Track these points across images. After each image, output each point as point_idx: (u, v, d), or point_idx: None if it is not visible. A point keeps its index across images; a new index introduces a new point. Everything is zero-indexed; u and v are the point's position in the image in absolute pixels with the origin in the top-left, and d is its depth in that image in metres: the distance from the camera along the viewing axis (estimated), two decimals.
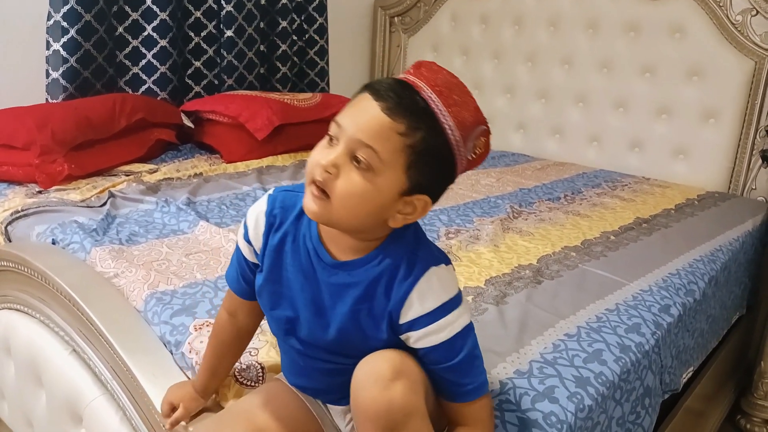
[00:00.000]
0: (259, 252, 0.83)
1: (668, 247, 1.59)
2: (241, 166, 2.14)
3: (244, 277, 0.87)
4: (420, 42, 3.06)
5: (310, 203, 0.72)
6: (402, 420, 0.69)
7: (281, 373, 0.92)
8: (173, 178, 1.91)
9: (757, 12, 2.11)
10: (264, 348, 1.00)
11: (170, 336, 1.05)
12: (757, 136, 2.17)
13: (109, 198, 1.66)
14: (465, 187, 2.04)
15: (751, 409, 2.00)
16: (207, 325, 1.05)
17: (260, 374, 0.96)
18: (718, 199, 2.12)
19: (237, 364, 0.96)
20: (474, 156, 0.75)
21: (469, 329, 0.77)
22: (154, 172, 1.96)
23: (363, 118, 0.69)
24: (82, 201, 1.65)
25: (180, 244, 1.40)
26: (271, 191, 0.84)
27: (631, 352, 1.06)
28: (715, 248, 1.62)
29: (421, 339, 0.74)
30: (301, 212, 0.78)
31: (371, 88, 0.72)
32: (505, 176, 2.25)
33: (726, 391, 2.06)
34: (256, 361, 0.98)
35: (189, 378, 1.00)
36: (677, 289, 1.33)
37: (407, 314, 0.73)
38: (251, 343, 1.00)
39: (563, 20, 2.56)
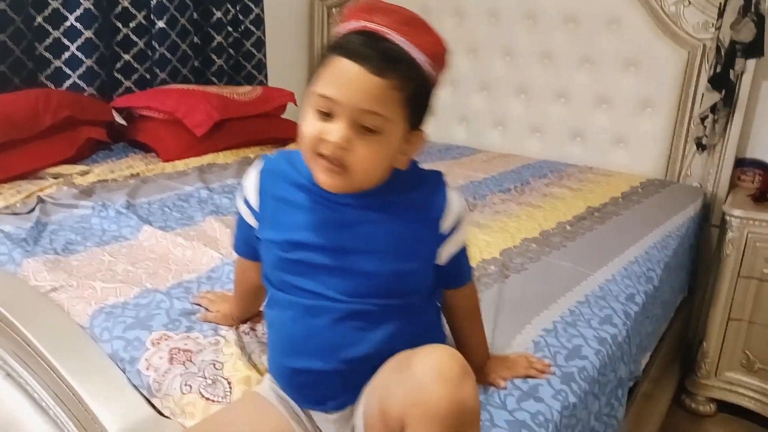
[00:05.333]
0: (258, 210, 0.83)
1: (623, 235, 1.61)
2: (180, 164, 2.03)
3: (248, 240, 0.88)
4: None
5: (327, 178, 0.73)
6: (471, 421, 0.66)
7: (260, 385, 0.87)
8: (108, 180, 1.79)
9: (690, 2, 2.18)
10: (229, 362, 0.92)
11: (124, 352, 0.96)
12: (692, 124, 2.24)
13: (37, 203, 1.53)
14: None
15: (695, 388, 2.08)
16: (165, 339, 0.96)
17: (228, 390, 0.89)
18: (658, 186, 2.18)
19: (203, 380, 0.89)
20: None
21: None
22: (86, 173, 1.82)
23: (355, 85, 0.69)
24: (6, 207, 1.52)
25: (123, 251, 1.29)
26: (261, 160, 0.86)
27: (607, 344, 1.06)
28: (665, 234, 1.66)
29: (452, 244, 0.81)
30: (296, 179, 0.79)
31: (345, 50, 0.71)
32: (454, 169, 2.23)
33: (671, 373, 2.13)
34: (222, 376, 0.90)
35: (146, 396, 0.92)
36: (638, 277, 1.35)
37: (447, 221, 0.79)
38: (216, 356, 0.94)
39: (503, 11, 2.57)
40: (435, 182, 0.81)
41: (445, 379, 0.64)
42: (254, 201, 0.83)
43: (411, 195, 0.78)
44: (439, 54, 0.75)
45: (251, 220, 0.85)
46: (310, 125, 0.72)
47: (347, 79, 0.70)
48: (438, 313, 0.89)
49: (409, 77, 0.71)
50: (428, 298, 0.84)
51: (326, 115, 0.71)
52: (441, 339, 0.87)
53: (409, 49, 0.72)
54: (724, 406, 2.05)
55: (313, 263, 0.77)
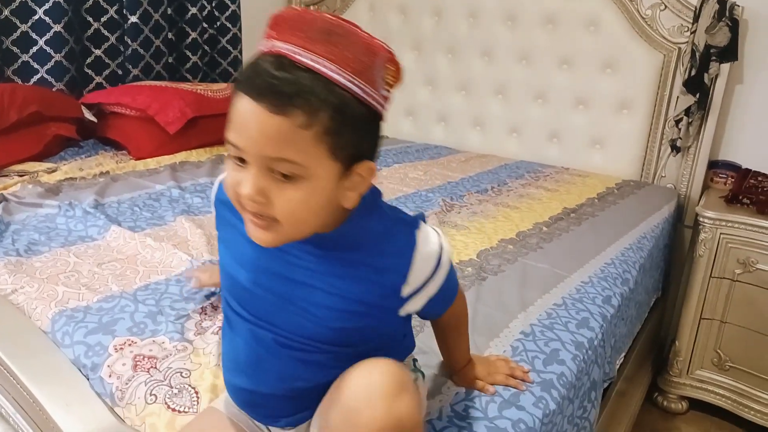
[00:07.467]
0: (217, 229, 0.79)
1: (599, 236, 1.61)
2: (151, 162, 1.98)
3: None
4: None
5: (258, 234, 0.63)
6: None
7: (217, 399, 0.83)
8: (76, 178, 1.73)
9: (666, 7, 2.19)
10: (197, 371, 0.89)
11: (85, 358, 0.92)
12: (666, 126, 2.26)
13: (0, 202, 1.47)
14: (394, 181, 1.99)
15: (667, 386, 2.09)
16: (129, 344, 0.93)
17: (194, 399, 0.86)
18: (634, 187, 2.19)
19: (168, 389, 0.85)
20: (389, 88, 0.66)
21: (449, 263, 0.73)
22: (53, 171, 1.77)
23: (256, 129, 0.58)
24: None
25: (90, 252, 1.25)
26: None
27: (584, 348, 1.05)
28: (641, 236, 1.66)
29: (420, 299, 0.71)
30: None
31: (243, 84, 0.60)
32: (431, 169, 2.22)
33: (644, 371, 2.14)
34: (189, 385, 0.87)
35: (108, 404, 0.88)
36: (614, 279, 1.34)
37: (408, 288, 0.69)
38: (182, 363, 0.90)
39: (482, 12, 2.56)
40: (403, 242, 0.68)
41: (376, 398, 0.60)
42: (215, 220, 0.79)
43: (371, 254, 0.68)
44: (364, 62, 0.61)
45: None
46: (228, 176, 0.63)
47: (247, 121, 0.59)
48: (403, 339, 0.81)
49: (318, 108, 0.58)
50: (391, 337, 0.77)
51: (242, 161, 0.61)
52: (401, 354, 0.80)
53: (323, 70, 0.58)
54: (695, 404, 2.07)
55: (259, 299, 0.71)
